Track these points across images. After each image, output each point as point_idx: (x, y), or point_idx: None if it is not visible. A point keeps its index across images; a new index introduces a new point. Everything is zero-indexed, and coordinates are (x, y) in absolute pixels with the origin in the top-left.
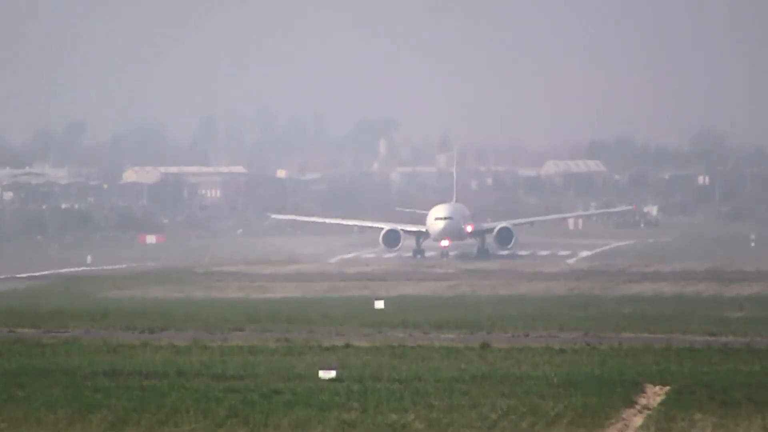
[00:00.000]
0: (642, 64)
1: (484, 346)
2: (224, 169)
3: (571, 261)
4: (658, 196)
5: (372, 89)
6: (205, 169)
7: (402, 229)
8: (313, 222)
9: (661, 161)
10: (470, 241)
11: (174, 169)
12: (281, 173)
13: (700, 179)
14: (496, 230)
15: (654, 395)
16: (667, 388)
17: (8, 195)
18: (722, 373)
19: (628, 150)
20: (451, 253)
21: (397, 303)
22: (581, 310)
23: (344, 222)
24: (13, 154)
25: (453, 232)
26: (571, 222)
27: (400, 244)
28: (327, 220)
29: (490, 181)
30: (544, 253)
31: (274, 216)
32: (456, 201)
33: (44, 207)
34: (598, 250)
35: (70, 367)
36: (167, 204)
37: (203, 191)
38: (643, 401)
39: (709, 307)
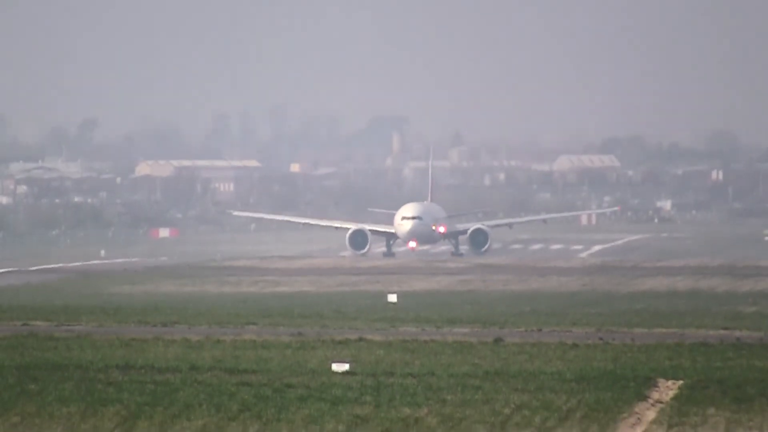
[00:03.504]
0: (656, 63)
1: (497, 341)
2: (237, 163)
3: (583, 255)
4: (671, 193)
5: (384, 87)
6: (218, 163)
7: (370, 230)
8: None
9: (674, 158)
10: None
11: (187, 163)
12: (295, 168)
13: (713, 175)
14: (469, 232)
15: (667, 389)
16: (680, 382)
17: (21, 189)
18: (735, 369)
19: (641, 147)
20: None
21: (409, 298)
22: (594, 305)
23: (316, 222)
24: (26, 149)
25: (421, 233)
26: (584, 218)
27: (368, 245)
28: (291, 219)
29: (502, 176)
30: (556, 247)
31: (236, 213)
32: (431, 200)
33: (57, 201)
34: (611, 244)
35: (83, 361)
36: (180, 198)
37: (216, 185)
38: (656, 395)
39: (723, 302)
